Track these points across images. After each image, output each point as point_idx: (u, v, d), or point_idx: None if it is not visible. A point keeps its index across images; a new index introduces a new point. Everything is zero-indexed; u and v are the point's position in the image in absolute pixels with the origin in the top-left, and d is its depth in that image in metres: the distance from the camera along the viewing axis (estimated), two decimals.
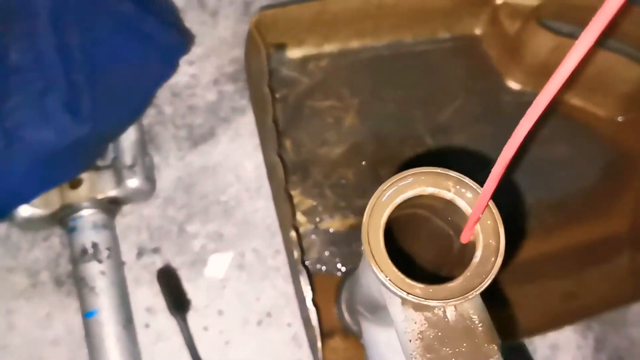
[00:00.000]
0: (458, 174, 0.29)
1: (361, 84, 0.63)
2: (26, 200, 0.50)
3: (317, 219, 0.58)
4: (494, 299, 0.55)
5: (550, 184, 0.62)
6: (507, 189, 0.60)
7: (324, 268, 0.56)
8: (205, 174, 0.60)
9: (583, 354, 0.55)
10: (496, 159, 0.63)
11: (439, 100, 0.63)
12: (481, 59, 0.65)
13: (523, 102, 0.64)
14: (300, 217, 0.58)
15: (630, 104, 0.62)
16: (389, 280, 0.27)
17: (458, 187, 0.29)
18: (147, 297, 0.55)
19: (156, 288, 0.56)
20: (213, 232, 0.58)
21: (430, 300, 0.26)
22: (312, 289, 0.49)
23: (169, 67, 0.56)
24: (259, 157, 0.60)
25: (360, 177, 0.60)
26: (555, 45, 0.60)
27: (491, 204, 0.28)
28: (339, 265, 0.56)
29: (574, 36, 0.62)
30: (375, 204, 0.28)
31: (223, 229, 0.58)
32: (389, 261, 0.27)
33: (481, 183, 0.60)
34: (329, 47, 0.63)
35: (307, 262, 0.56)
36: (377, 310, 0.39)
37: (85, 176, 0.53)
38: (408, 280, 0.27)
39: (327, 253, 0.57)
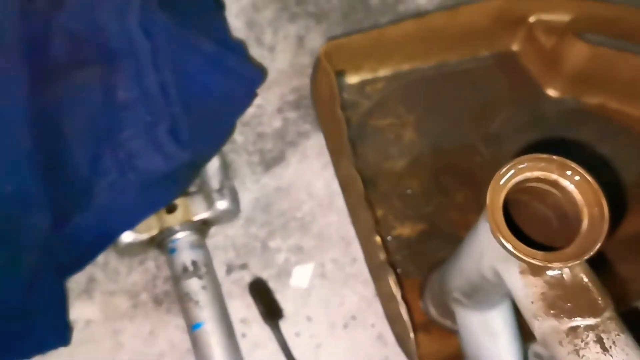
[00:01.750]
0: (560, 157, 0.34)
1: (415, 102, 0.68)
2: (132, 226, 0.56)
3: (389, 227, 0.63)
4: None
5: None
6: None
7: (399, 271, 0.61)
8: (280, 194, 0.65)
9: None
10: None
11: (487, 113, 0.69)
12: (520, 72, 0.71)
13: (564, 109, 0.69)
14: None
15: None
16: (515, 250, 0.31)
17: (561, 168, 0.34)
18: (241, 309, 0.60)
19: (247, 302, 0.60)
20: (294, 246, 0.63)
21: (553, 263, 0.31)
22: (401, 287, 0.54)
23: (249, 96, 0.62)
24: (327, 175, 0.66)
25: (424, 186, 0.65)
26: (590, 54, 0.66)
27: (590, 178, 0.33)
28: (412, 268, 0.61)
29: (605, 45, 0.68)
30: (495, 186, 0.33)
31: (302, 243, 0.63)
32: (510, 233, 0.32)
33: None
34: (383, 71, 0.69)
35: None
36: (476, 293, 0.43)
37: (179, 201, 0.58)
38: (529, 249, 0.32)
39: (400, 258, 0.62)
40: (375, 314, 0.60)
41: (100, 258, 0.61)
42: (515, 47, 0.71)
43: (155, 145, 0.51)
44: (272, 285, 0.61)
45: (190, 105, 0.55)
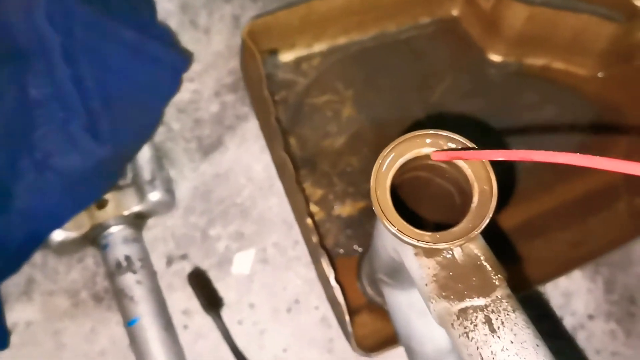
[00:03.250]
0: (449, 132, 0.32)
1: (353, 77, 0.66)
2: (59, 224, 0.54)
3: (330, 207, 0.61)
4: (507, 256, 0.59)
5: (545, 145, 0.64)
6: None
7: (342, 251, 0.60)
8: (219, 180, 0.64)
9: (595, 297, 0.59)
10: (490, 128, 0.66)
11: (429, 81, 0.67)
12: (462, 37, 0.69)
13: (507, 72, 0.67)
14: (313, 207, 0.61)
15: (608, 59, 0.66)
16: (399, 231, 0.30)
17: (450, 144, 0.32)
18: (182, 300, 0.59)
19: (189, 292, 0.59)
20: (234, 233, 0.62)
21: (438, 244, 0.30)
22: (334, 269, 0.53)
23: (174, 84, 0.60)
24: (266, 158, 0.64)
25: (365, 163, 0.63)
26: (528, 14, 0.64)
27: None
28: (355, 247, 0.60)
29: (543, 3, 0.66)
30: (379, 168, 0.32)
31: (243, 229, 0.62)
32: (398, 216, 0.31)
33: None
34: (319, 46, 0.67)
35: (325, 247, 0.59)
36: (396, 273, 0.42)
37: (109, 196, 0.57)
38: (417, 230, 0.31)
39: (343, 237, 0.61)
40: (318, 296, 0.59)
41: (39, 258, 0.60)
42: (455, 12, 0.69)
43: (70, 143, 0.50)
44: (214, 274, 0.60)
45: (110, 97, 0.53)
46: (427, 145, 0.32)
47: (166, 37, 0.62)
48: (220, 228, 0.62)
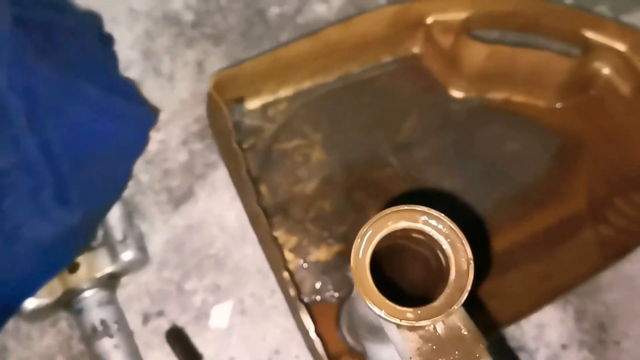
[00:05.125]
0: (423, 207, 0.33)
1: (321, 119, 0.67)
2: (31, 293, 0.53)
3: (305, 253, 0.62)
4: (481, 292, 0.60)
5: (510, 178, 0.67)
6: (474, 192, 0.64)
7: (318, 298, 0.60)
8: (192, 232, 0.63)
9: (567, 327, 0.60)
10: (456, 164, 0.68)
11: (395, 120, 0.68)
12: (425, 75, 0.70)
13: (470, 107, 0.69)
14: (288, 255, 0.61)
15: (566, 91, 0.68)
16: (384, 312, 0.31)
17: (425, 217, 0.33)
18: (161, 359, 0.58)
19: (167, 349, 0.59)
20: (210, 285, 0.61)
21: (420, 322, 0.31)
22: (313, 321, 0.53)
23: (142, 140, 0.60)
24: (238, 206, 0.64)
25: (337, 206, 0.64)
26: (488, 52, 0.65)
27: (455, 228, 0.32)
28: (333, 293, 0.60)
29: (502, 41, 0.68)
30: (358, 247, 0.32)
31: (219, 280, 0.62)
32: (380, 295, 0.31)
33: (447, 188, 0.64)
34: (285, 92, 0.67)
35: (303, 296, 0.59)
36: (377, 331, 0.43)
37: (81, 259, 0.56)
38: (399, 308, 0.31)
39: (319, 284, 0.61)
40: (299, 345, 0.59)
41: (10, 325, 0.59)
42: (416, 50, 0.70)
43: (40, 213, 0.49)
44: (191, 329, 0.60)
45: (79, 160, 0.53)
46: (403, 219, 0.33)
47: (131, 91, 0.62)
48: (196, 281, 0.62)
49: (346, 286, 0.61)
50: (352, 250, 0.32)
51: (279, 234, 0.62)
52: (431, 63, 0.70)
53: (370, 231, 0.32)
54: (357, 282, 0.31)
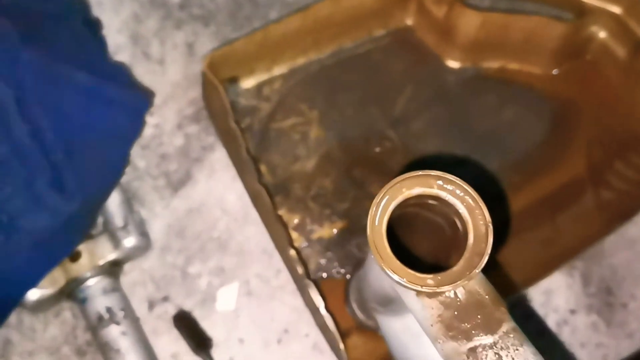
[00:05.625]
0: (438, 172, 0.32)
1: (316, 96, 0.66)
2: (33, 284, 0.52)
3: (308, 232, 0.61)
4: (490, 261, 0.60)
5: (508, 146, 0.66)
6: (474, 161, 0.64)
7: (324, 275, 0.60)
8: (193, 215, 0.63)
9: (574, 292, 0.61)
10: (454, 135, 0.67)
11: (391, 94, 0.67)
12: (418, 46, 0.69)
13: (466, 77, 0.68)
14: (292, 234, 0.61)
15: (561, 57, 0.68)
16: (404, 280, 0.30)
17: (440, 182, 0.32)
18: (169, 344, 0.58)
19: (175, 334, 0.58)
20: (214, 268, 0.61)
21: (442, 287, 0.30)
22: (322, 297, 0.53)
23: (137, 125, 0.59)
24: (238, 187, 0.63)
25: (338, 183, 0.63)
26: (481, 20, 0.65)
27: (472, 191, 0.32)
28: (338, 269, 0.60)
29: (494, 9, 0.67)
30: (374, 216, 0.32)
31: (223, 263, 0.61)
32: (399, 262, 0.31)
33: (447, 159, 0.64)
34: (279, 69, 0.66)
35: (309, 274, 0.59)
36: (390, 303, 0.42)
37: (82, 247, 0.55)
38: (419, 275, 0.31)
39: (324, 260, 0.60)
40: (308, 323, 0.59)
41: (13, 318, 0.58)
42: (409, 22, 0.69)
43: (36, 202, 0.48)
44: (198, 312, 0.59)
45: (72, 147, 0.51)
46: (418, 185, 0.32)
47: (122, 76, 0.61)
48: (200, 264, 0.61)
49: (350, 262, 0.60)
50: (368, 219, 0.32)
51: (281, 213, 0.61)
52: (424, 34, 0.69)
53: (386, 198, 0.32)
54: (375, 251, 0.31)
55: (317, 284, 0.55)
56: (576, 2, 0.65)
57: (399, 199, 0.32)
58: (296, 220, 0.62)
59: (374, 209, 0.32)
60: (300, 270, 0.53)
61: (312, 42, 0.66)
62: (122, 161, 0.58)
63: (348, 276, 0.59)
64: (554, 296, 0.60)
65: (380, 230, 0.31)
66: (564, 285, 0.60)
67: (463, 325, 0.31)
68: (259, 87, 0.66)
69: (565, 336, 0.59)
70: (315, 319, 0.56)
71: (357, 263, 0.59)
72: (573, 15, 0.66)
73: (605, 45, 0.67)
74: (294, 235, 0.61)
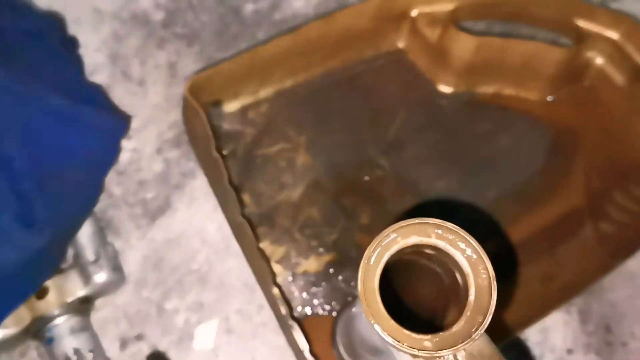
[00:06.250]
0: (436, 220, 0.29)
1: (304, 120, 0.63)
2: None
3: (294, 265, 0.58)
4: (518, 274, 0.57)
5: (505, 176, 0.64)
6: (468, 192, 0.61)
7: (310, 311, 0.56)
8: (171, 246, 0.59)
9: (572, 330, 0.58)
10: (448, 163, 0.64)
11: (382, 118, 0.64)
12: (411, 70, 0.66)
13: (460, 103, 0.66)
14: (276, 267, 0.57)
15: (558, 82, 0.65)
16: (399, 343, 0.27)
17: (439, 231, 0.29)
18: None
19: None
20: (193, 303, 0.57)
21: (441, 351, 0.27)
22: (307, 339, 0.49)
23: (113, 151, 0.55)
24: (219, 217, 0.60)
25: (326, 212, 0.60)
26: (477, 45, 0.62)
27: (474, 242, 0.29)
28: (324, 305, 0.57)
29: (489, 33, 0.65)
30: (365, 270, 0.28)
31: (202, 298, 0.57)
32: (393, 322, 0.28)
33: (441, 188, 0.61)
34: (265, 92, 0.63)
35: (293, 311, 0.55)
36: (380, 353, 0.39)
37: (50, 283, 0.51)
38: (415, 336, 0.28)
39: (308, 296, 0.57)
40: None
41: None
42: (401, 44, 0.67)
43: (1, 238, 0.44)
44: (174, 352, 0.55)
45: (43, 176, 0.48)
46: (415, 234, 0.29)
47: (99, 98, 0.57)
48: (177, 300, 0.57)
49: (338, 298, 0.57)
50: (359, 272, 0.28)
51: (265, 245, 0.58)
52: (417, 57, 0.66)
53: (378, 250, 0.29)
54: (365, 308, 0.28)
55: (301, 323, 0.51)
56: (574, 27, 0.63)
57: (393, 249, 0.29)
58: (281, 253, 0.58)
59: (365, 262, 0.28)
60: (283, 310, 0.49)
61: (301, 63, 0.63)
62: (96, 189, 0.55)
63: (334, 313, 0.56)
64: (551, 334, 0.57)
65: (372, 287, 0.28)
66: (561, 323, 0.57)
67: None
68: (244, 111, 0.62)
69: None
70: None
71: (345, 300, 0.56)
72: (570, 40, 0.64)
73: (603, 71, 0.65)
74: (278, 268, 0.57)
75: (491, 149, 0.64)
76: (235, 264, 0.58)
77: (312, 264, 0.58)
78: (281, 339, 0.56)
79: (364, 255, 0.29)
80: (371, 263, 0.29)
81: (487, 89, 0.66)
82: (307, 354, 0.48)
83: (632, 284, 0.59)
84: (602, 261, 0.58)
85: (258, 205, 0.59)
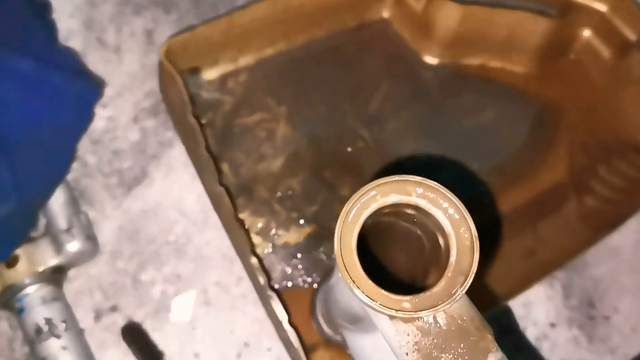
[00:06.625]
0: (418, 177, 0.28)
1: (285, 91, 0.61)
2: None
3: (273, 236, 0.57)
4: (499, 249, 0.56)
5: (488, 149, 0.63)
6: (452, 164, 0.60)
7: (290, 284, 0.55)
8: (147, 217, 0.58)
9: (555, 304, 0.57)
10: (431, 136, 0.63)
11: (365, 91, 0.63)
12: (395, 41, 0.65)
13: (444, 75, 0.64)
14: (255, 239, 0.56)
15: (544, 55, 0.64)
16: (377, 303, 0.26)
17: (420, 189, 0.28)
18: (118, 358, 0.53)
19: (124, 348, 0.53)
20: (170, 275, 0.56)
21: (419, 312, 0.26)
22: (286, 310, 0.48)
23: (85, 117, 0.53)
24: (198, 187, 0.58)
25: (306, 184, 0.59)
26: (462, 14, 0.61)
27: (459, 202, 0.27)
28: (305, 277, 0.56)
29: (476, 2, 0.63)
30: (343, 228, 0.27)
31: (179, 269, 0.56)
32: (370, 282, 0.27)
33: (423, 161, 0.60)
34: (245, 60, 0.61)
35: (272, 283, 0.54)
36: (359, 321, 0.38)
37: (20, 251, 0.50)
38: (394, 296, 0.26)
39: (289, 268, 0.56)
40: (270, 336, 0.54)
41: None
42: (385, 14, 0.65)
43: None
44: (150, 324, 0.54)
45: (9, 142, 0.46)
46: (394, 192, 0.28)
47: (70, 63, 0.55)
48: (154, 271, 0.56)
49: (319, 270, 0.56)
50: (336, 231, 0.27)
51: (244, 216, 0.56)
52: (402, 28, 0.65)
53: (357, 206, 0.27)
54: (343, 270, 0.27)
55: (281, 295, 0.50)
56: None
57: (372, 207, 0.28)
58: (260, 224, 0.57)
59: (342, 220, 0.27)
60: (262, 280, 0.48)
61: (281, 32, 0.61)
62: (67, 157, 0.53)
63: (315, 285, 0.55)
64: (534, 309, 0.57)
65: (349, 245, 0.27)
66: (544, 297, 0.57)
67: (443, 355, 0.27)
68: (223, 79, 0.61)
69: (545, 351, 0.55)
70: (278, 332, 0.52)
71: (325, 272, 0.55)
72: (557, 11, 0.63)
73: (589, 44, 0.64)
74: (258, 240, 0.56)
75: (475, 122, 0.63)
76: (214, 236, 0.57)
77: (292, 236, 0.57)
78: (260, 311, 0.55)
79: (342, 212, 0.27)
80: (349, 220, 0.27)
81: (472, 60, 0.65)
82: (285, 324, 0.47)
83: (615, 259, 0.59)
84: (584, 236, 0.57)
85: (237, 175, 0.58)
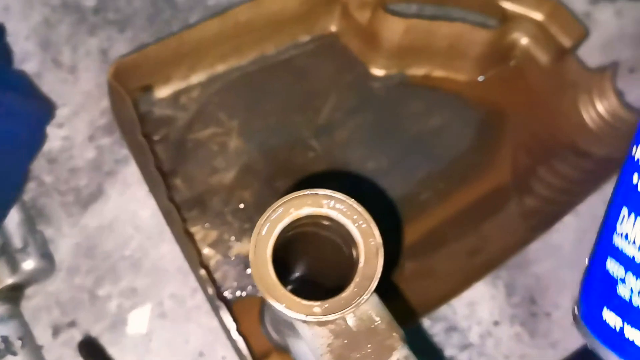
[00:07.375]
0: (327, 191, 0.30)
1: (237, 105, 0.63)
2: None
3: (227, 248, 0.58)
4: (411, 273, 0.58)
5: (435, 155, 0.65)
6: (399, 172, 0.63)
7: (244, 293, 0.57)
8: (103, 233, 0.59)
9: (498, 303, 0.59)
10: (379, 144, 0.66)
11: (315, 101, 0.65)
12: (343, 53, 0.67)
13: (391, 85, 0.67)
14: (209, 251, 0.58)
15: (485, 63, 0.67)
16: (285, 307, 0.28)
17: (330, 201, 0.30)
18: None
19: None
20: (126, 289, 0.57)
21: (327, 316, 0.28)
22: (235, 319, 0.50)
23: (37, 138, 0.55)
24: (152, 202, 0.60)
25: (258, 196, 0.61)
26: (404, 27, 0.63)
27: (359, 208, 0.30)
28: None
29: (420, 15, 0.66)
30: (257, 240, 0.29)
31: (135, 283, 0.58)
32: (282, 289, 0.29)
33: (371, 168, 0.62)
34: (197, 77, 0.63)
35: (226, 292, 0.56)
36: (295, 329, 0.40)
37: None
38: (304, 302, 0.29)
39: (244, 278, 0.58)
40: (224, 345, 0.56)
41: None
42: (333, 28, 0.68)
43: None
44: (107, 337, 0.55)
45: None
46: (307, 205, 0.30)
47: (23, 85, 0.57)
48: (110, 286, 0.57)
49: None
50: (251, 242, 0.29)
51: (196, 228, 0.58)
52: (349, 41, 0.67)
53: (268, 224, 0.29)
54: (257, 279, 0.29)
55: (231, 305, 0.52)
56: (499, 8, 0.65)
57: (287, 220, 0.30)
58: (214, 236, 0.59)
59: (256, 233, 0.29)
60: (210, 290, 0.50)
61: (232, 48, 0.63)
62: (20, 177, 0.54)
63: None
64: (478, 308, 0.59)
65: (264, 257, 0.29)
66: (488, 296, 0.59)
67: (353, 354, 0.29)
68: (176, 96, 0.62)
69: (489, 349, 0.58)
70: (230, 342, 0.54)
71: None
72: (497, 21, 0.66)
73: (528, 51, 0.66)
74: (211, 252, 0.58)
75: (421, 129, 0.66)
76: (169, 249, 0.59)
77: (245, 247, 0.59)
78: (215, 321, 0.56)
79: (255, 227, 0.29)
80: (263, 233, 0.29)
81: (417, 70, 0.67)
82: (233, 332, 0.49)
83: (555, 256, 0.61)
84: (524, 234, 0.60)
85: (190, 189, 0.60)
